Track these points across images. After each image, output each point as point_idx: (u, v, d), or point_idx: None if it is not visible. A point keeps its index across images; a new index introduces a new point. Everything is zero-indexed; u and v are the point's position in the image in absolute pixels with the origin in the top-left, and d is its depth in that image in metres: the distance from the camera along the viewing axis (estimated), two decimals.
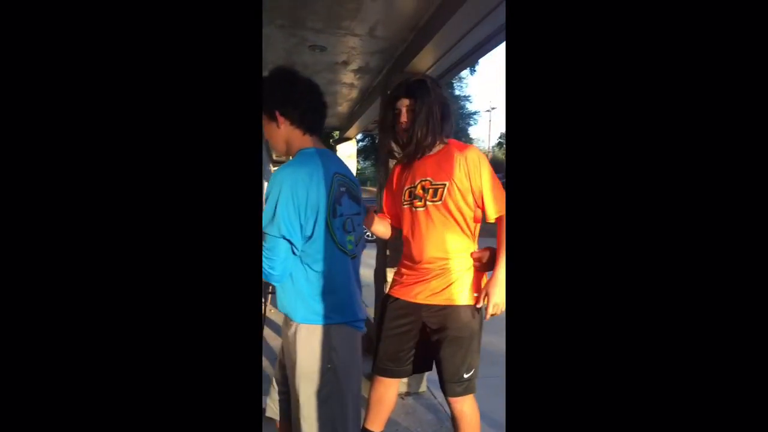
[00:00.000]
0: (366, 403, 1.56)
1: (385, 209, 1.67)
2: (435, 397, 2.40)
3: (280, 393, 1.31)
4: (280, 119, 1.19)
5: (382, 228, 1.69)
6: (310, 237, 1.13)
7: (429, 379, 2.44)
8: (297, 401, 1.18)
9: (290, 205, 1.09)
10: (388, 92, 1.62)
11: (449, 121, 1.49)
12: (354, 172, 5.71)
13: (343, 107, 4.08)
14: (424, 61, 2.29)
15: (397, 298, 1.53)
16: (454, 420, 1.51)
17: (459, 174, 1.42)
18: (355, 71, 2.95)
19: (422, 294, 1.48)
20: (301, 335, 1.17)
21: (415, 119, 1.44)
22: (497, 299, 1.41)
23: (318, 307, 1.17)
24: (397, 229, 1.65)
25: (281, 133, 1.21)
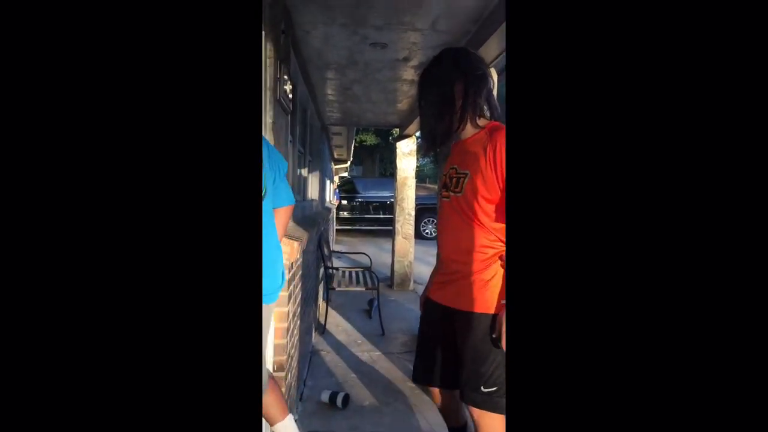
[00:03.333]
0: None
1: None
2: None
3: None
4: None
5: None
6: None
7: None
8: None
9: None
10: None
11: (476, 100, 1.25)
12: (413, 170, 5.62)
13: (403, 104, 4.06)
14: (488, 53, 2.21)
15: (428, 298, 1.39)
16: None
17: (483, 163, 1.20)
18: (416, 67, 2.91)
19: (446, 296, 1.30)
20: None
21: (424, 113, 1.30)
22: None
23: None
24: None
25: None
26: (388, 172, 16.74)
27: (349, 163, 11.81)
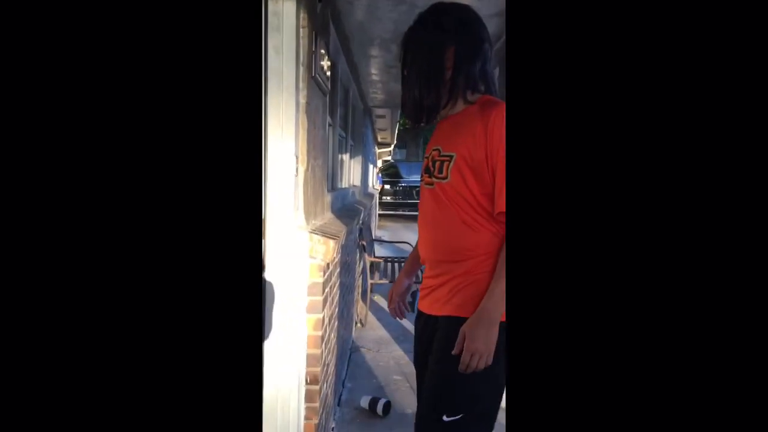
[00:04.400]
0: None
1: None
2: None
3: None
4: None
5: None
6: None
7: None
8: None
9: None
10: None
11: (469, 71, 1.01)
12: None
13: None
14: None
15: (418, 310, 1.14)
16: None
17: (471, 142, 0.98)
18: None
19: (433, 304, 1.06)
20: None
21: (408, 83, 1.04)
22: (478, 344, 0.92)
23: None
24: None
25: None
26: None
27: (392, 146, 11.58)
